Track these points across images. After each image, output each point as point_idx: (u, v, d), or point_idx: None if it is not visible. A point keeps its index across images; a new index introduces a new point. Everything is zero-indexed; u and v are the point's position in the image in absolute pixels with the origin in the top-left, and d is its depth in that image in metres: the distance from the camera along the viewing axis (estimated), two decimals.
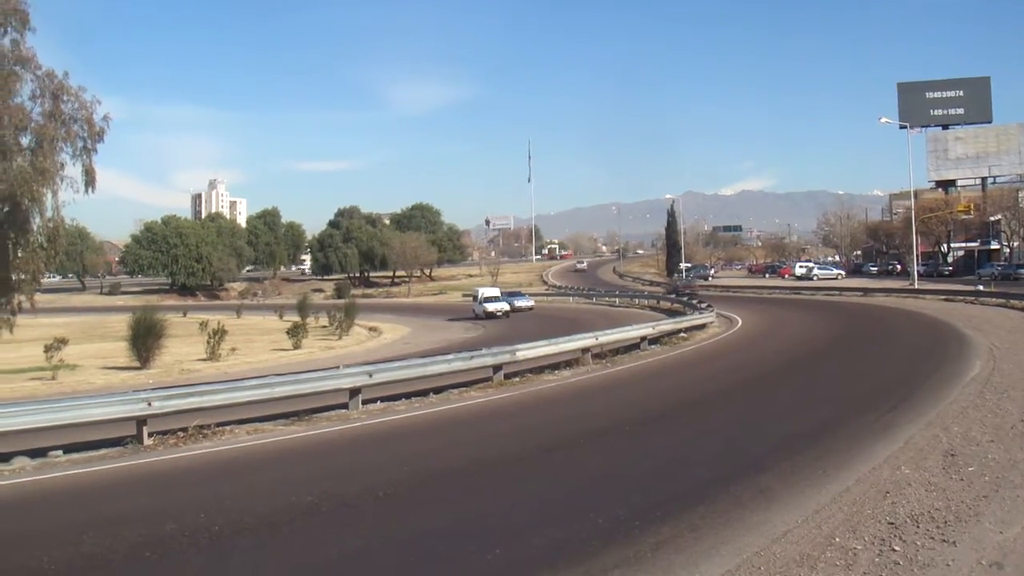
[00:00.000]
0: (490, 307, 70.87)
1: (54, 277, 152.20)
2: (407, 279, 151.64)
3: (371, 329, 60.27)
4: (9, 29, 35.16)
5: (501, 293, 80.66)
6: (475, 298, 76.58)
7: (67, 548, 10.00)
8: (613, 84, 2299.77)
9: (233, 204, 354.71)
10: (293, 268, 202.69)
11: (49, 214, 37.01)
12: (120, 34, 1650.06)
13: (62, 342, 38.39)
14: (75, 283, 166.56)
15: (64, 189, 36.87)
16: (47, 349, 37.19)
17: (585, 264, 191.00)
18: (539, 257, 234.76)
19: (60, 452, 15.84)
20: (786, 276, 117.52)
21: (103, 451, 16.16)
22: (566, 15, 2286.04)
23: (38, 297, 41.43)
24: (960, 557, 8.85)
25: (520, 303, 78.22)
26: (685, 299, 66.64)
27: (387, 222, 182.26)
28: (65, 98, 36.40)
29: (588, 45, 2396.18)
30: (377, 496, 12.32)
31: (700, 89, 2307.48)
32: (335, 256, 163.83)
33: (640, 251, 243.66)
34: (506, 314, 70.75)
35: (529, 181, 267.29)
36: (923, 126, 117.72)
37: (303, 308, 65.26)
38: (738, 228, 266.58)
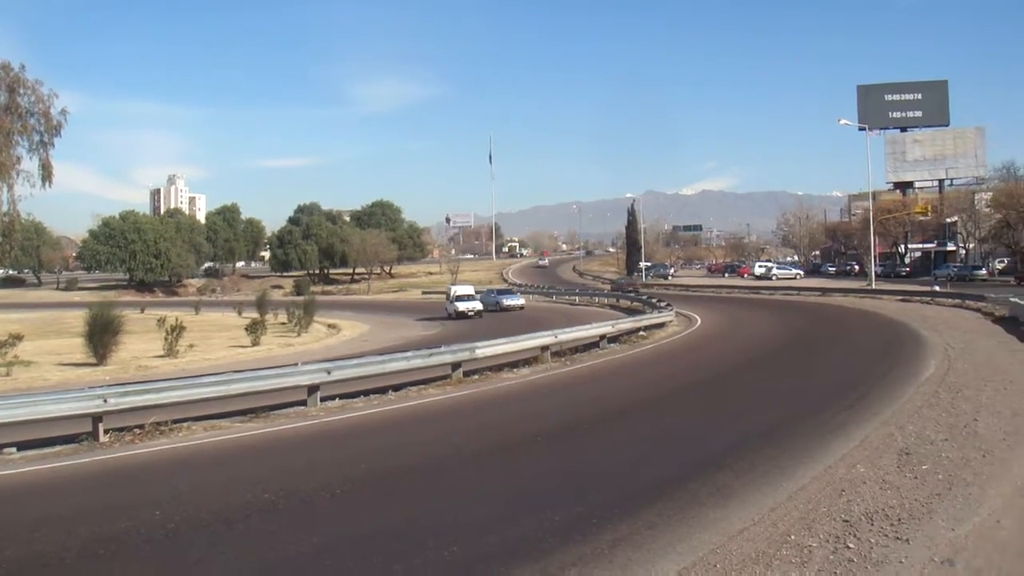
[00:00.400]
0: (461, 306, 65.44)
1: (9, 272, 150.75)
2: (367, 276, 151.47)
3: (330, 326, 60.00)
4: None
5: (489, 290, 78.61)
6: (448, 296, 70.84)
7: (20, 546, 9.92)
8: (575, 84, 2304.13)
9: (192, 200, 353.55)
10: (253, 264, 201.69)
11: (4, 208, 36.91)
12: (82, 30, 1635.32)
13: (17, 338, 38.01)
14: (31, 278, 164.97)
15: (20, 183, 36.78)
16: (1, 345, 36.78)
17: (546, 261, 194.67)
18: (500, 255, 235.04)
19: (14, 449, 15.69)
20: (745, 276, 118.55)
21: (58, 448, 16.02)
22: (531, 14, 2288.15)
23: None
24: (913, 554, 8.94)
25: (509, 301, 72.49)
26: (631, 295, 72.01)
27: (347, 219, 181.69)
28: (22, 91, 36.19)
29: (553, 44, 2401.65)
30: (334, 493, 12.29)
31: (664, 90, 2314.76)
32: (295, 253, 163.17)
33: (610, 249, 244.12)
34: (479, 314, 65.21)
35: (493, 178, 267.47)
36: (882, 128, 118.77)
37: (262, 305, 64.96)
38: (698, 228, 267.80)
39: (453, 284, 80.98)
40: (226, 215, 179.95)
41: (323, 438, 17.45)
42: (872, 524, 9.89)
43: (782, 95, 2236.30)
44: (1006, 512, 10.28)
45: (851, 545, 9.21)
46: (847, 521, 10.04)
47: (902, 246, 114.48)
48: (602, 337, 35.02)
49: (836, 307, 58.10)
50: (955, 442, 13.98)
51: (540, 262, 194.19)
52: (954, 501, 10.71)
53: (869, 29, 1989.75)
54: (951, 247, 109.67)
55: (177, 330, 39.97)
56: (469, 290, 71.51)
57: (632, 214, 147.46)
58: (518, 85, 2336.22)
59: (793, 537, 9.54)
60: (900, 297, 61.48)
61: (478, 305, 66.81)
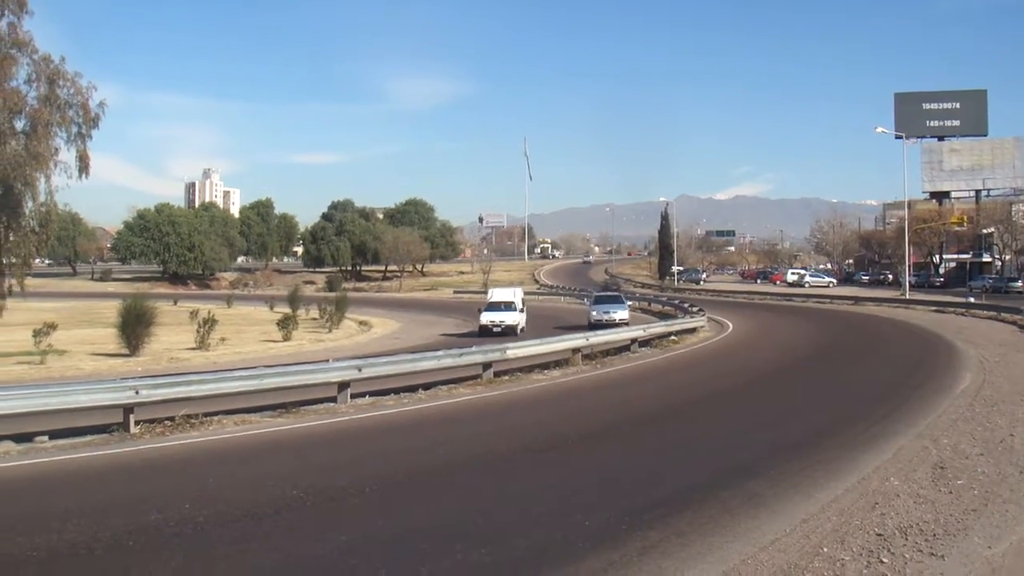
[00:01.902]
0: (486, 318, 49.36)
1: (45, 261, 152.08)
2: (399, 274, 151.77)
3: (361, 323, 59.98)
4: (6, 12, 35.06)
5: (602, 294, 65.32)
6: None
7: (50, 535, 9.93)
8: (612, 85, 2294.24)
9: (227, 194, 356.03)
10: (285, 260, 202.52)
11: (42, 198, 37.02)
12: (119, 22, 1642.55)
13: (51, 327, 38.18)
14: (66, 268, 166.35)
15: (58, 174, 36.91)
16: (36, 333, 36.95)
17: (591, 258, 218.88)
18: (534, 256, 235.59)
19: (46, 438, 15.79)
20: (777, 282, 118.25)
21: (89, 438, 16.13)
22: (568, 14, 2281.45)
23: (28, 281, 41.34)
24: (948, 571, 8.80)
25: (603, 314, 51.24)
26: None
27: (380, 216, 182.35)
28: (61, 83, 36.37)
29: (589, 45, 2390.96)
30: (363, 491, 12.26)
31: (699, 93, 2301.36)
32: (327, 249, 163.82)
33: (645, 253, 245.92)
34: (511, 330, 47.95)
35: (531, 179, 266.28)
36: (919, 137, 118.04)
37: (294, 300, 65.11)
38: (731, 233, 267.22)
39: (492, 288, 63.70)
40: (260, 210, 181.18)
41: (353, 436, 17.46)
42: (906, 539, 9.75)
43: (818, 101, 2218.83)
44: None
45: (885, 560, 9.07)
46: (881, 535, 9.90)
47: (937, 256, 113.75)
48: (633, 341, 34.99)
49: (869, 316, 57.79)
50: (991, 457, 13.80)
51: (586, 258, 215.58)
52: (991, 518, 10.55)
53: (907, 37, 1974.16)
54: (987, 258, 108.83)
55: (209, 323, 40.12)
56: (509, 295, 54.40)
57: (665, 218, 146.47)
58: (551, 85, 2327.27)
59: (826, 550, 9.41)
60: (934, 308, 61.10)
61: (511, 318, 49.60)
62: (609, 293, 68.74)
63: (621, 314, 51.49)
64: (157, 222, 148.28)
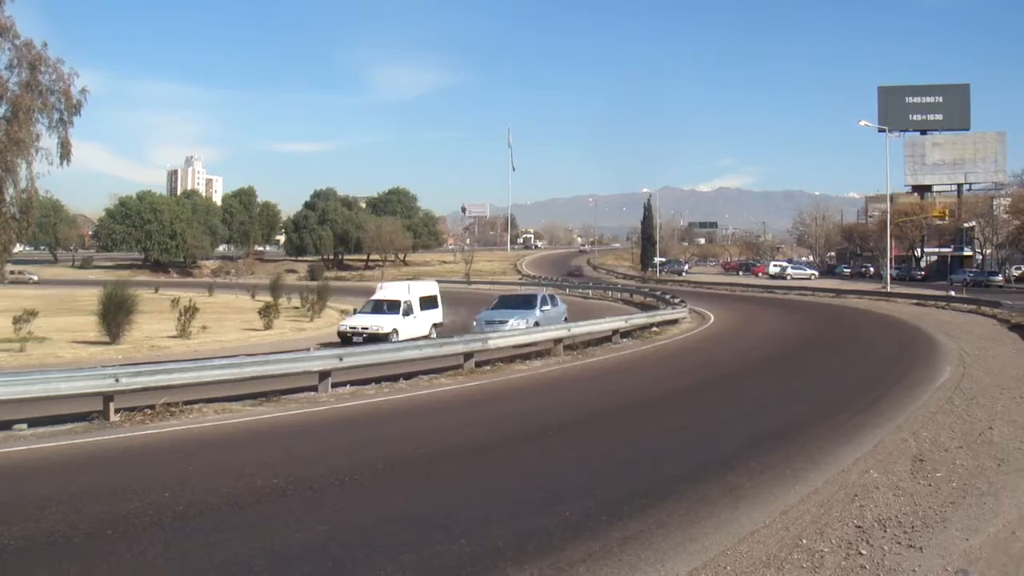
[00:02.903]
0: (348, 323, 38.66)
1: (26, 248, 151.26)
2: (381, 263, 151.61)
3: (343, 312, 59.65)
4: None
5: (510, 295, 48.52)
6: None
7: (28, 523, 9.88)
8: (596, 78, 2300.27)
9: (209, 182, 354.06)
10: (267, 248, 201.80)
11: (23, 185, 36.75)
12: (103, 9, 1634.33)
13: (31, 314, 37.99)
14: (47, 255, 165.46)
15: (39, 160, 36.65)
16: (15, 321, 36.80)
17: (586, 247, 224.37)
18: (517, 246, 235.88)
19: (25, 425, 15.71)
20: (760, 274, 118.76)
21: (69, 426, 16.04)
22: (553, 6, 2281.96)
23: (9, 268, 41.02)
24: (926, 563, 8.82)
25: (496, 325, 35.13)
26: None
27: (363, 205, 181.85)
28: (43, 69, 36.10)
29: (573, 38, 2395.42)
30: (343, 481, 12.23)
31: (683, 86, 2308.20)
32: (310, 238, 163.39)
33: (617, 244, 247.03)
34: (377, 339, 34.28)
35: (514, 170, 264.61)
36: (902, 130, 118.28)
37: (275, 288, 64.86)
38: (714, 225, 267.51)
39: (381, 283, 45.69)
40: (242, 198, 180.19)
41: (333, 425, 17.44)
42: (885, 531, 9.79)
43: (801, 95, 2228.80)
44: (1022, 524, 10.16)
45: (863, 552, 9.11)
46: (860, 527, 9.94)
47: (918, 250, 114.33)
48: (615, 332, 35.03)
49: (850, 309, 57.90)
50: (970, 450, 13.87)
51: (581, 248, 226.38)
52: (968, 510, 10.60)
53: (890, 31, 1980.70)
54: (968, 252, 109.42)
55: (190, 311, 39.96)
56: (401, 292, 40.05)
57: (648, 209, 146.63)
58: (535, 77, 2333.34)
59: (805, 541, 9.44)
60: (915, 301, 61.29)
61: (378, 324, 36.71)
62: (520, 294, 49.05)
63: (515, 323, 35.31)
64: (139, 210, 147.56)
